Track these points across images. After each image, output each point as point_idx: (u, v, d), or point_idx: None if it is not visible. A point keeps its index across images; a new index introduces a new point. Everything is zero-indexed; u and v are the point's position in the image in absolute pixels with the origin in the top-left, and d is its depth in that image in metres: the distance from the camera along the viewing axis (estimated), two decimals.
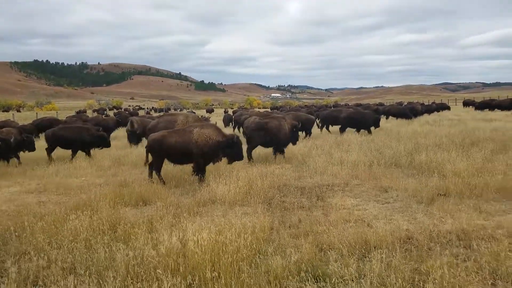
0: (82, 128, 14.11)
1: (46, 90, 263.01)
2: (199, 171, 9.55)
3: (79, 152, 13.61)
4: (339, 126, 19.92)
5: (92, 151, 13.79)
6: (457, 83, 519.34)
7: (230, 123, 26.76)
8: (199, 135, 9.49)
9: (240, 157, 9.92)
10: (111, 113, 47.16)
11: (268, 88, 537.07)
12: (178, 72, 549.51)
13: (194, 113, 33.00)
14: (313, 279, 4.23)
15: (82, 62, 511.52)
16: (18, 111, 71.67)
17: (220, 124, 24.38)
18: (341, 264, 4.48)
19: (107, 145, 14.11)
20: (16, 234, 5.62)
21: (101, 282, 4.15)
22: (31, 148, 13.58)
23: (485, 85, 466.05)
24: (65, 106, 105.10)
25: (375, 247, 5.01)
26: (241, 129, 19.56)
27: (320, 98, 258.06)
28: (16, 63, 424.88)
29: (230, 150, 9.65)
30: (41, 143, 15.25)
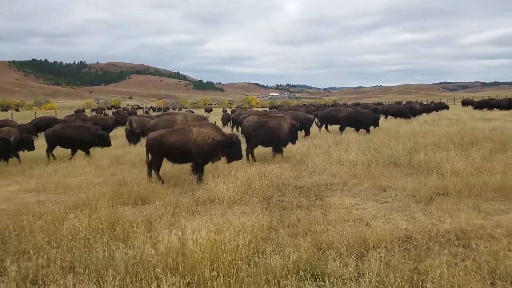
0: (83, 127, 14.04)
1: (44, 89, 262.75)
2: (198, 170, 9.54)
3: (78, 151, 13.57)
4: (338, 125, 19.93)
5: (90, 150, 13.75)
6: (456, 83, 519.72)
7: (229, 123, 26.73)
8: (198, 134, 9.49)
9: (239, 157, 9.92)
10: (109, 113, 47.13)
11: (266, 87, 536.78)
12: (176, 72, 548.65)
13: (193, 112, 32.98)
14: (312, 278, 4.24)
15: (80, 62, 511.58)
16: (17, 110, 71.63)
17: (219, 123, 24.35)
18: (339, 263, 4.48)
19: (108, 144, 14.06)
20: (15, 233, 5.60)
21: (100, 281, 4.15)
22: (31, 147, 13.55)
23: (484, 84, 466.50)
24: (63, 105, 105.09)
25: (373, 247, 5.01)
26: (239, 129, 19.54)
27: (318, 97, 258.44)
28: (14, 62, 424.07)
29: (229, 150, 9.65)
30: (40, 142, 15.23)
